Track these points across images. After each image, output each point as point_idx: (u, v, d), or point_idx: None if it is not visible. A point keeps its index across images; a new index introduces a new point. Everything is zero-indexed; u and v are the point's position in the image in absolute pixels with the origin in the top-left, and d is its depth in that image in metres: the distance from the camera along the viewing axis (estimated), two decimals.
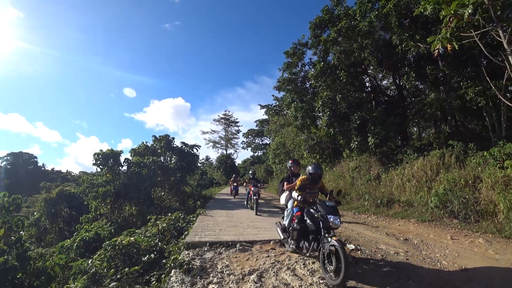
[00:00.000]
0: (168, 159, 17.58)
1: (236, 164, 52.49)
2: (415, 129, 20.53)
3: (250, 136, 56.78)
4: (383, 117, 13.00)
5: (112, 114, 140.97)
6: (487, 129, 12.18)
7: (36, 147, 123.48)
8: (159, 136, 17.16)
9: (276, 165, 31.64)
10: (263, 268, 4.05)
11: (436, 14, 10.91)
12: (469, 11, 7.54)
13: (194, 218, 8.16)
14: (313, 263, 4.25)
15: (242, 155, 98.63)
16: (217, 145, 57.11)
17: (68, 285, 4.58)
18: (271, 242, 5.15)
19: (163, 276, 3.97)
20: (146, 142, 16.71)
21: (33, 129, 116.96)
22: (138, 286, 3.83)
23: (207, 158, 61.22)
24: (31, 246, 14.64)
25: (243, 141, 57.78)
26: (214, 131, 57.28)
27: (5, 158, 58.94)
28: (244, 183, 16.86)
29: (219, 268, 4.07)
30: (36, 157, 63.34)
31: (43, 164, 63.21)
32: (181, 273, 3.81)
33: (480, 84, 11.01)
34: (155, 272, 4.11)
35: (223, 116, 57.15)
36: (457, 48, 8.48)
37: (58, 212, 17.18)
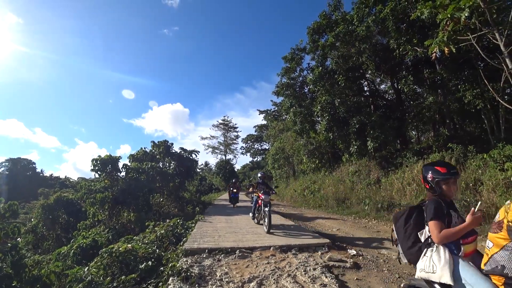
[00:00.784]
0: (167, 164, 17.46)
1: (236, 170, 52.33)
2: (413, 132, 20.53)
3: (249, 142, 56.79)
4: (382, 121, 13.00)
5: (111, 120, 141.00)
6: (486, 132, 12.16)
7: (35, 153, 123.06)
8: (158, 141, 17.08)
9: (276, 170, 31.58)
10: (263, 275, 3.95)
11: (433, 18, 11.02)
12: (466, 15, 7.58)
13: (193, 225, 8.06)
14: (314, 269, 4.16)
15: (241, 161, 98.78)
16: (216, 151, 57.11)
17: None
18: (271, 248, 5.05)
19: (160, 284, 3.86)
20: (144, 148, 16.62)
21: (31, 135, 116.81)
22: None
23: (206, 164, 61.19)
24: (27, 253, 14.40)
25: (242, 146, 57.82)
26: (213, 136, 57.34)
27: (3, 164, 58.65)
28: (251, 189, 14.68)
29: (218, 275, 3.97)
30: (34, 163, 63.09)
31: (41, 170, 62.92)
32: (179, 281, 3.71)
33: (477, 86, 11.03)
34: (152, 280, 4.01)
35: (222, 122, 57.27)
36: (454, 52, 8.52)
37: (55, 218, 16.97)
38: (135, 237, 7.13)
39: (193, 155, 18.00)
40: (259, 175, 8.88)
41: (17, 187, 50.38)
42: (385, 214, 10.03)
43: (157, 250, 4.91)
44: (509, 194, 6.78)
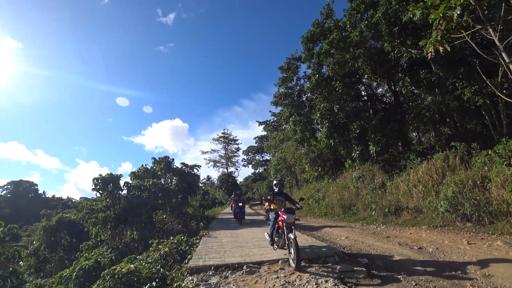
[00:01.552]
0: (169, 180, 17.27)
1: (238, 182, 51.95)
2: (414, 134, 20.46)
3: (250, 153, 56.63)
4: (382, 124, 12.92)
5: (111, 138, 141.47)
6: (488, 128, 12.07)
7: (36, 175, 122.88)
8: (159, 158, 16.95)
9: None
10: None
11: (425, 20, 11.14)
12: (458, 13, 7.62)
13: (198, 240, 7.83)
14: (326, 281, 3.97)
15: (243, 173, 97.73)
16: (218, 164, 56.83)
17: None
18: (280, 261, 4.84)
19: None
20: (145, 165, 16.47)
21: (33, 157, 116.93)
22: None
23: (209, 178, 60.81)
24: (29, 277, 14.11)
25: (243, 158, 57.59)
26: (214, 150, 57.20)
27: (5, 187, 58.45)
28: (266, 205, 11.19)
29: None
30: (36, 185, 62.88)
31: (43, 192, 62.60)
32: None
33: (475, 83, 11.01)
34: None
35: (222, 135, 57.27)
36: (449, 50, 8.53)
37: (58, 240, 16.75)
38: (138, 257, 6.92)
39: (195, 170, 17.84)
40: (274, 182, 6.53)
41: (20, 209, 50.07)
42: (393, 218, 9.80)
43: (162, 270, 4.72)
44: None
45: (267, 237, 6.28)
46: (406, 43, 12.04)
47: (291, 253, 4.68)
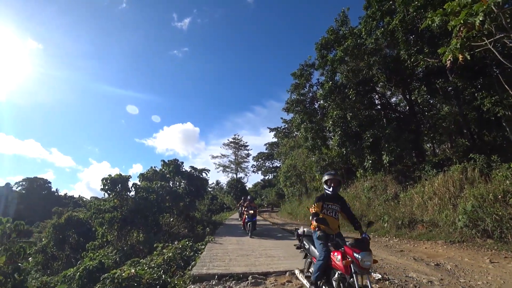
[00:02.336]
0: (177, 183, 17.25)
1: (247, 188, 51.68)
2: (428, 145, 19.81)
3: (260, 160, 56.36)
4: (397, 134, 12.53)
5: (123, 140, 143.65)
6: (508, 140, 11.51)
7: (50, 172, 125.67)
8: (168, 160, 16.98)
9: (288, 188, 30.88)
10: None
11: (443, 28, 10.81)
12: (480, 19, 7.33)
13: (203, 246, 7.66)
14: None
15: (252, 179, 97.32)
16: (227, 169, 56.78)
17: None
18: (287, 273, 4.59)
19: None
20: (154, 167, 16.52)
21: (48, 155, 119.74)
22: None
23: (218, 183, 60.69)
24: (36, 273, 14.22)
25: (253, 164, 57.34)
26: (224, 155, 57.23)
27: (20, 183, 60.07)
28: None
29: None
30: (50, 182, 64.34)
31: (56, 189, 63.89)
32: None
33: (495, 93, 10.57)
34: None
35: (232, 140, 57.34)
36: (469, 59, 8.24)
37: (65, 238, 16.92)
38: (141, 260, 6.79)
39: (204, 174, 17.78)
40: (326, 177, 3.93)
41: (33, 206, 51.28)
42: (407, 231, 9.38)
43: (163, 276, 4.56)
44: None
45: (306, 276, 3.98)
46: (423, 51, 11.72)
47: None
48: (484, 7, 7.44)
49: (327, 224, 3.54)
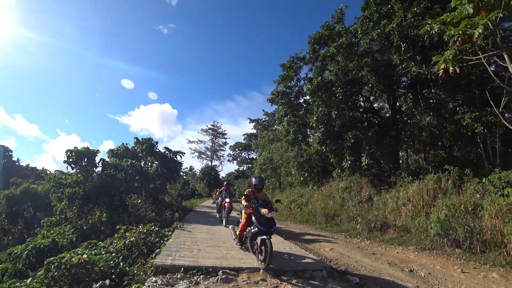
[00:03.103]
0: (149, 164, 16.34)
1: (221, 177, 51.08)
2: (401, 153, 20.39)
3: (237, 149, 55.89)
4: (379, 138, 12.58)
5: (96, 114, 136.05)
6: (480, 156, 11.94)
7: (12, 140, 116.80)
8: (142, 139, 16.00)
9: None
10: None
11: (435, 38, 10.83)
12: (480, 31, 7.29)
13: (170, 233, 7.11)
14: None
15: (227, 168, 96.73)
16: (203, 156, 55.75)
17: None
18: (261, 270, 4.21)
19: None
20: (126, 144, 15.49)
21: (11, 121, 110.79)
22: None
23: (191, 168, 59.42)
24: None
25: (229, 153, 56.76)
26: (200, 141, 56.03)
27: None
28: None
29: None
30: (11, 151, 59.15)
31: (18, 159, 58.95)
32: None
33: (476, 110, 10.86)
34: None
35: (211, 127, 56.19)
36: (458, 72, 8.27)
37: (20, 212, 15.59)
38: (100, 243, 6.14)
39: (178, 157, 16.98)
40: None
41: None
42: (378, 234, 9.42)
43: (122, 263, 4.01)
44: None
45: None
46: (415, 58, 11.73)
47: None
48: (485, 20, 7.41)
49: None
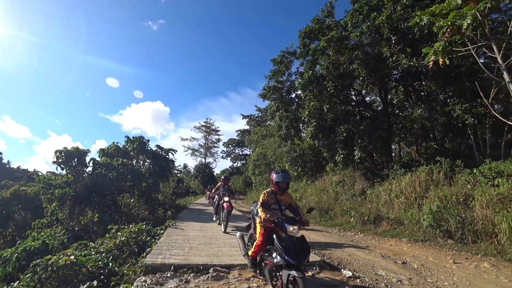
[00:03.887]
0: (141, 162, 16.14)
1: (215, 174, 50.93)
2: (393, 146, 20.56)
3: (230, 146, 55.70)
4: (371, 131, 12.63)
5: (87, 114, 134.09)
6: (471, 148, 12.09)
7: (2, 142, 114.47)
8: (133, 137, 15.76)
9: (256, 176, 30.72)
10: None
11: (425, 30, 10.85)
12: (468, 22, 7.31)
13: (162, 231, 7.01)
14: None
15: (221, 165, 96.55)
16: (196, 153, 55.45)
17: None
18: None
19: None
20: (117, 143, 15.23)
21: None
22: None
23: (185, 166, 59.07)
24: None
25: (223, 150, 56.57)
26: (194, 138, 55.72)
27: None
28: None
29: None
30: (1, 153, 58.31)
31: (8, 161, 57.79)
32: None
33: (466, 101, 10.94)
34: None
35: (204, 124, 55.87)
36: (447, 64, 8.29)
37: (10, 214, 15.29)
38: (90, 244, 6.02)
39: (170, 154, 16.82)
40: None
41: None
42: (372, 227, 9.48)
43: (111, 264, 3.91)
44: (507, 211, 6.38)
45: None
46: (405, 51, 11.75)
47: None
48: (474, 10, 7.42)
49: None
